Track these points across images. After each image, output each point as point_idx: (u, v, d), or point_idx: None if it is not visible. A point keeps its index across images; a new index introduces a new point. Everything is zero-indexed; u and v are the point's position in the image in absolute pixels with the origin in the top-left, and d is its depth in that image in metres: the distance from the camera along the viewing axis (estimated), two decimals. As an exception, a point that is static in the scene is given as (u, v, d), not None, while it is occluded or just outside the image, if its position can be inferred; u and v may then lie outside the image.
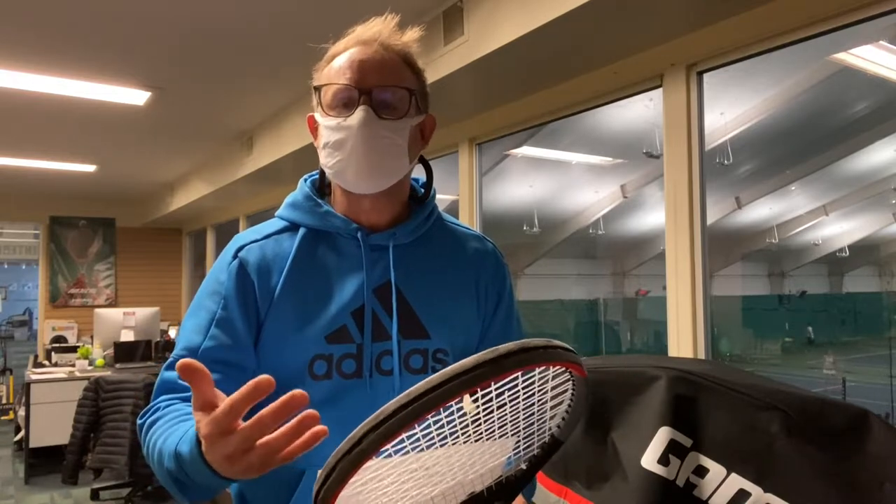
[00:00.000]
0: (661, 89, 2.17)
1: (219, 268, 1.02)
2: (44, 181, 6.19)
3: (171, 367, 0.96)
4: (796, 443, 1.20)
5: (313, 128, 1.05)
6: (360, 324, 0.99)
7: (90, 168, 5.50)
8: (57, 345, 6.49)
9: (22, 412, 5.25)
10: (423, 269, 1.05)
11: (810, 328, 17.12)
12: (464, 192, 3.15)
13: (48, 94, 3.42)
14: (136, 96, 3.50)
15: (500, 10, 2.14)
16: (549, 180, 10.41)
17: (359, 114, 0.95)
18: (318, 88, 1.00)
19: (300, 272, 1.00)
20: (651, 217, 12.42)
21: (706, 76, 2.09)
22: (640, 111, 6.35)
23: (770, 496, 1.18)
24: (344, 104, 0.97)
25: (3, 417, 7.14)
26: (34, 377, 5.07)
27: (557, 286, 14.64)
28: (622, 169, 9.79)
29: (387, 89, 0.97)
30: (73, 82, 3.27)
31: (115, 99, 3.52)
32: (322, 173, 1.08)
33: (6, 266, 21.15)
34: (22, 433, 5.23)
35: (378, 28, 1.00)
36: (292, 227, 1.05)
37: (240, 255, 1.01)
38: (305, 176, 1.11)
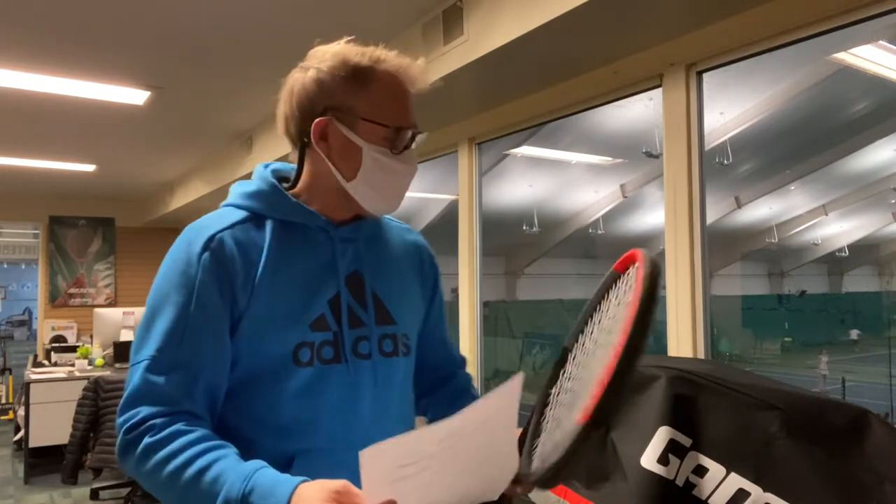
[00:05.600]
0: (660, 89, 2.17)
1: (185, 261, 0.98)
2: (43, 181, 6.19)
3: (151, 370, 0.93)
4: (796, 442, 1.20)
5: (326, 135, 1.02)
6: (335, 312, 1.03)
7: (90, 168, 5.50)
8: (56, 344, 6.48)
9: (21, 412, 5.25)
10: (381, 259, 1.12)
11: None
12: (463, 192, 3.15)
13: (48, 94, 3.42)
14: (136, 96, 3.50)
15: (500, 9, 2.14)
16: (549, 180, 10.41)
17: (413, 157, 1.05)
18: (385, 125, 1.02)
19: (277, 262, 1.01)
20: (651, 217, 12.42)
21: (706, 76, 2.09)
22: (640, 111, 6.36)
23: (769, 496, 1.18)
24: (398, 142, 1.02)
25: (2, 417, 7.14)
26: (34, 377, 5.07)
27: (557, 286, 14.65)
28: (622, 168, 9.80)
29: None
30: (73, 82, 3.27)
31: (115, 99, 3.52)
32: (299, 170, 1.07)
33: (6, 266, 21.14)
34: (21, 433, 5.23)
35: (424, 76, 1.05)
36: (255, 217, 1.04)
37: (211, 246, 0.98)
38: (264, 164, 1.12)
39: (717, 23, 1.96)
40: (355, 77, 1.01)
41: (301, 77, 1.05)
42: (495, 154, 7.16)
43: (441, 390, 1.26)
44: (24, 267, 21.10)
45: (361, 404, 1.03)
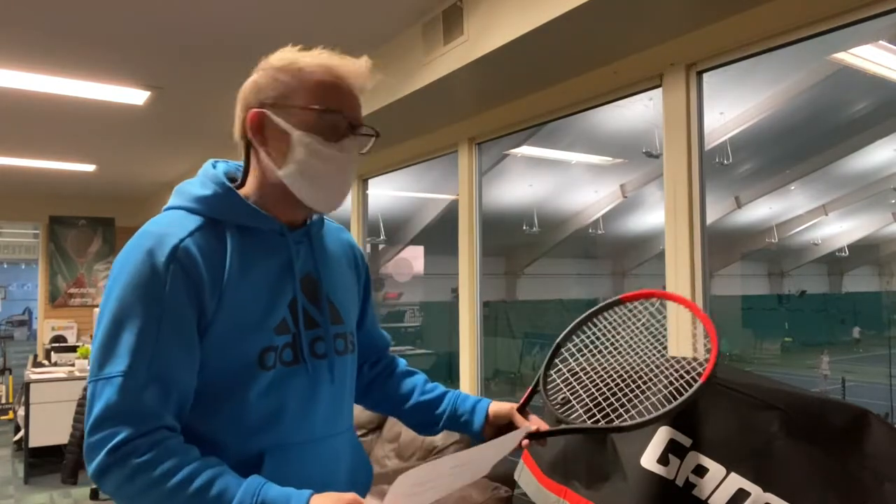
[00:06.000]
0: (660, 89, 2.17)
1: (149, 271, 0.94)
2: (43, 181, 6.19)
3: (126, 386, 0.90)
4: (796, 442, 1.20)
5: (261, 127, 1.03)
6: (293, 314, 1.05)
7: (90, 168, 5.50)
8: (56, 344, 6.49)
9: (21, 412, 5.25)
10: (327, 261, 1.15)
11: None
12: (463, 192, 3.15)
13: (48, 94, 3.42)
14: (136, 96, 3.50)
15: (500, 9, 2.14)
16: (549, 180, 10.41)
17: (351, 146, 1.04)
18: (324, 110, 1.01)
19: (241, 268, 1.01)
20: (651, 217, 12.43)
21: (706, 76, 2.09)
22: (640, 111, 6.36)
23: (769, 496, 1.18)
24: (331, 130, 1.02)
25: (2, 417, 7.14)
26: (34, 377, 5.07)
27: (557, 286, 14.66)
28: (622, 168, 9.80)
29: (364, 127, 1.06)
30: (73, 82, 3.27)
31: (114, 99, 3.52)
32: (245, 169, 1.08)
33: (6, 266, 21.13)
34: (21, 433, 5.23)
35: (368, 75, 1.06)
36: (211, 223, 1.02)
37: (177, 256, 0.96)
38: (212, 162, 1.13)
39: (717, 23, 1.96)
40: (287, 69, 1.04)
41: (246, 82, 1.10)
42: (495, 154, 7.16)
43: (390, 382, 1.31)
44: (24, 267, 21.09)
45: (319, 402, 1.07)
